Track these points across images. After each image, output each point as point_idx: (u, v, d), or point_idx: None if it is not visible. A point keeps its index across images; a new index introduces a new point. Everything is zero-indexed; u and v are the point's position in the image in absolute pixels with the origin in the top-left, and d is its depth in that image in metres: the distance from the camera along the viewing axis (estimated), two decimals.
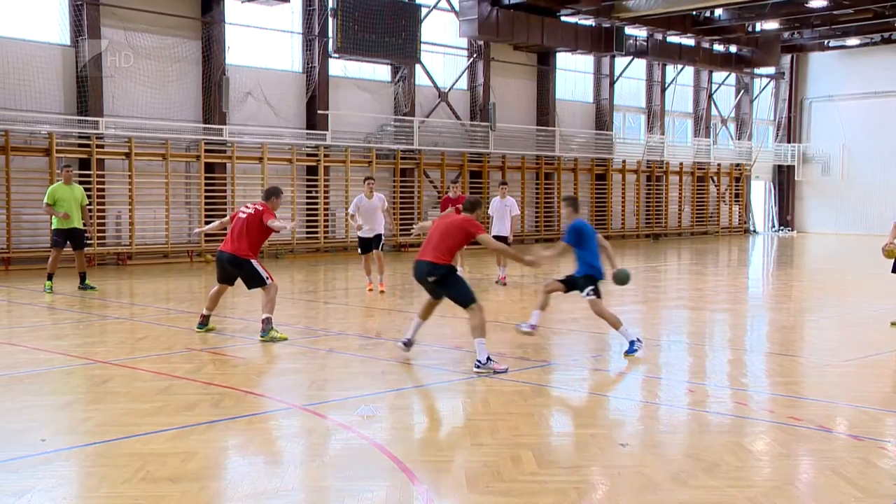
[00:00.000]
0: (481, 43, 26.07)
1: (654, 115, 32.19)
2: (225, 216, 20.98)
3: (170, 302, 13.32)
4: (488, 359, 7.95)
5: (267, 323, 9.47)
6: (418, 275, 8.34)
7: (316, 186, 22.50)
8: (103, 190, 19.22)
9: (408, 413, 6.87)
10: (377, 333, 9.79)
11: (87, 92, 18.81)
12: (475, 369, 7.93)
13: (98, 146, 18.97)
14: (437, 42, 25.28)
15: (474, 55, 26.31)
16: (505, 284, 14.83)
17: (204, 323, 10.07)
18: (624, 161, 30.51)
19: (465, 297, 8.13)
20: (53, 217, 13.86)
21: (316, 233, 22.65)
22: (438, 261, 8.18)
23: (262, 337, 9.46)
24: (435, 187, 25.04)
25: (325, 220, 22.69)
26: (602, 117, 30.29)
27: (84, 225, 14.14)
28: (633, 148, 31.22)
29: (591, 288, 9.01)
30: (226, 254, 9.74)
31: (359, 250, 14.34)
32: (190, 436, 5.85)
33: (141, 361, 8.47)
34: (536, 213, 27.93)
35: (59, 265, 14.10)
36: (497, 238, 15.05)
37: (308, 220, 22.62)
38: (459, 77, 26.02)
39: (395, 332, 10.09)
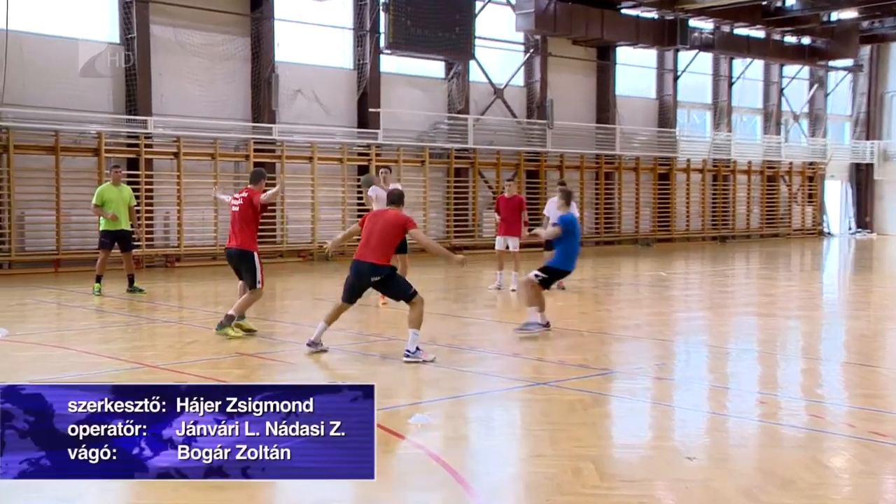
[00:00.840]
0: (538, 37, 25.97)
1: (721, 112, 31.73)
2: (274, 216, 21.28)
3: (219, 305, 13.50)
4: (417, 349, 8.60)
5: (229, 319, 9.86)
6: (359, 275, 8.82)
7: None
8: (151, 190, 19.57)
9: (464, 422, 6.86)
10: (431, 339, 9.81)
11: (135, 91, 19.19)
12: (405, 359, 8.55)
13: (146, 146, 19.33)
14: (492, 37, 25.24)
15: (531, 50, 26.22)
16: (563, 289, 14.73)
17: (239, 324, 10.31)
18: (688, 160, 30.13)
19: (406, 292, 8.73)
20: (101, 218, 14.15)
21: None
22: (380, 262, 8.72)
23: (216, 330, 9.87)
24: (490, 187, 25.02)
25: None
26: (665, 114, 29.95)
27: (132, 226, 14.41)
28: (698, 146, 30.81)
29: (544, 277, 10.25)
30: (233, 250, 10.14)
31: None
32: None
33: (190, 366, 8.59)
34: (596, 214, 27.71)
35: (107, 267, 14.38)
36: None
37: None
38: (515, 73, 25.95)
39: (450, 338, 10.09)
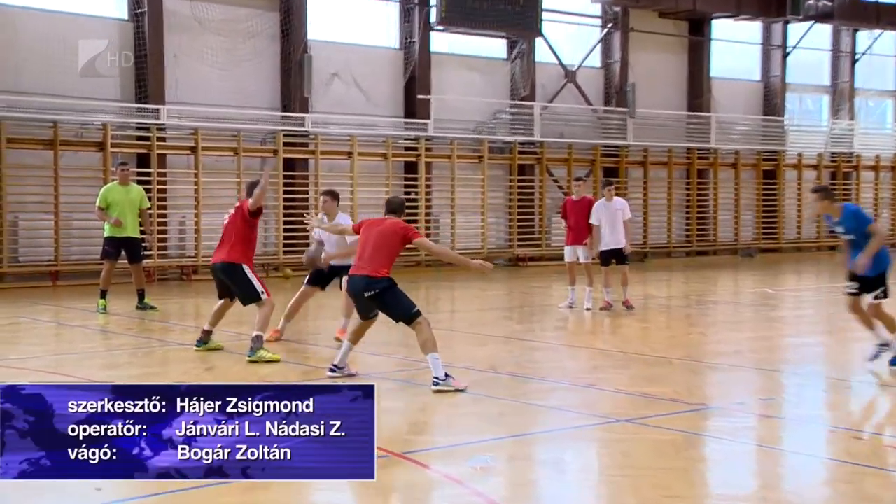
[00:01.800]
0: (618, 10, 25.92)
1: (841, 96, 31.32)
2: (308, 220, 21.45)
3: (242, 326, 13.62)
4: (446, 375, 8.65)
5: (257, 341, 10.23)
6: (354, 291, 9.05)
7: (416, 186, 22.73)
8: (165, 191, 19.89)
9: (530, 465, 6.86)
10: (491, 366, 9.81)
11: (146, 75, 19.52)
12: (434, 388, 8.59)
13: (159, 139, 19.63)
14: (562, 10, 25.26)
15: (609, 25, 26.17)
16: (631, 308, 14.56)
17: (204, 340, 10.85)
18: (800, 154, 29.79)
19: (408, 311, 8.86)
20: (106, 224, 14.35)
21: None
22: (376, 274, 8.89)
23: (249, 357, 10.19)
24: (560, 187, 24.99)
25: (427, 227, 22.89)
26: (771, 99, 29.66)
27: (142, 233, 14.62)
28: (812, 137, 30.47)
29: (883, 289, 10.01)
30: (218, 264, 10.66)
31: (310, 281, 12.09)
32: (268, 487, 5.95)
33: None
34: (687, 219, 27.48)
35: (114, 280, 14.60)
36: (611, 253, 14.60)
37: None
38: (591, 52, 25.92)
39: (514, 366, 10.08)
